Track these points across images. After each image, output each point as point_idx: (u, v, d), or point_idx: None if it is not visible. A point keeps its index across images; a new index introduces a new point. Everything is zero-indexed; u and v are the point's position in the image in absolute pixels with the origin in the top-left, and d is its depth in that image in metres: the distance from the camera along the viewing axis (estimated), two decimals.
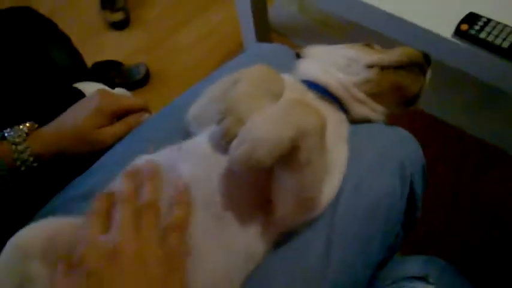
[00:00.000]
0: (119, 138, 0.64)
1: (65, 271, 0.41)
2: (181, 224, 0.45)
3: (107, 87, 0.88)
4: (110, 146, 0.63)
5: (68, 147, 0.62)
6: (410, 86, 0.60)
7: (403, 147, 0.60)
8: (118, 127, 0.64)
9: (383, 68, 0.59)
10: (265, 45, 0.74)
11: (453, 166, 1.26)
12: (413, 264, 0.57)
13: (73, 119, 0.63)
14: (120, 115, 0.66)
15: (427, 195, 0.64)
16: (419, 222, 0.63)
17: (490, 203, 1.20)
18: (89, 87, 0.83)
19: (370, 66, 0.60)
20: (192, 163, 0.50)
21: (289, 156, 0.44)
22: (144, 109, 0.68)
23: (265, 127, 0.43)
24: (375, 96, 0.61)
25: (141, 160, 0.52)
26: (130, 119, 0.66)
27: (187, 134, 0.59)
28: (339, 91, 0.60)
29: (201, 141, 0.52)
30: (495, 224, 1.17)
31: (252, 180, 0.49)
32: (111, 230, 0.43)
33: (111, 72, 1.55)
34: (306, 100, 0.58)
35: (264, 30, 1.29)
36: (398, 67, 0.59)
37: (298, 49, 0.71)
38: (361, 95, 0.60)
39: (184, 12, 1.79)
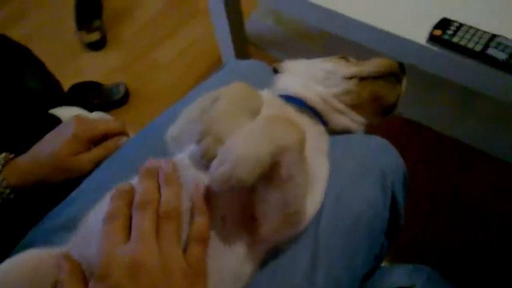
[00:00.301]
0: (97, 164, 0.63)
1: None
2: (205, 235, 0.44)
3: (84, 112, 0.87)
4: (88, 172, 0.62)
5: (45, 176, 0.61)
6: (388, 95, 0.62)
7: (383, 156, 0.60)
8: (96, 153, 0.63)
9: (361, 79, 0.61)
10: (242, 62, 0.74)
11: (432, 169, 1.27)
12: (400, 274, 0.57)
13: (49, 148, 0.61)
14: (97, 140, 0.65)
15: (407, 200, 0.64)
16: (402, 228, 0.63)
17: (470, 204, 1.21)
18: (65, 113, 0.81)
19: (349, 78, 0.61)
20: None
21: (271, 173, 0.43)
22: (122, 132, 0.67)
23: (245, 145, 0.42)
24: (354, 107, 0.62)
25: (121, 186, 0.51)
26: (108, 144, 0.65)
27: (167, 156, 0.58)
28: (318, 104, 0.61)
29: (180, 161, 0.52)
30: (476, 225, 1.17)
31: (235, 199, 0.49)
32: (132, 238, 0.41)
33: (90, 94, 1.54)
34: (285, 115, 0.58)
35: (242, 44, 1.29)
36: (376, 77, 0.61)
37: (275, 64, 0.71)
38: (341, 106, 0.61)
39: (161, 29, 1.78)
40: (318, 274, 0.50)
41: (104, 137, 0.65)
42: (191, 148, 0.51)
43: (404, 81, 0.64)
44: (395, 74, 0.62)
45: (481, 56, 0.71)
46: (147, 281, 0.39)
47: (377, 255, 0.58)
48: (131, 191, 0.46)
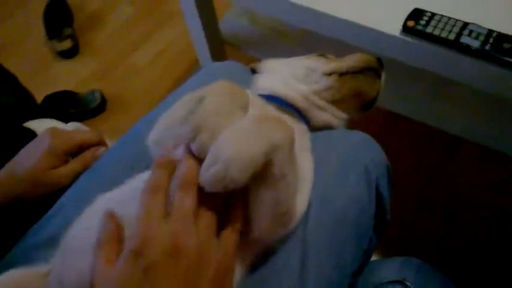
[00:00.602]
0: (76, 177, 0.61)
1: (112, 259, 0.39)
2: (237, 227, 0.43)
3: (59, 123, 0.85)
4: (67, 186, 0.60)
5: (22, 192, 0.59)
6: (368, 90, 0.63)
7: (365, 151, 0.60)
8: (73, 165, 0.61)
9: (341, 74, 0.62)
10: (219, 64, 0.73)
11: (414, 160, 1.29)
12: (390, 269, 0.57)
13: (25, 163, 0.60)
14: (74, 152, 0.63)
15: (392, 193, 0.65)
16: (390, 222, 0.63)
17: (454, 192, 1.23)
18: (40, 126, 0.79)
19: (329, 74, 0.62)
20: None
21: (263, 172, 0.43)
22: (99, 142, 0.66)
23: (237, 144, 0.41)
24: (335, 102, 0.63)
25: (102, 200, 0.50)
26: (86, 155, 0.63)
27: (148, 163, 0.57)
28: (298, 101, 0.61)
29: None
30: (459, 214, 1.19)
31: (223, 202, 0.48)
32: (173, 217, 0.40)
33: (65, 103, 1.50)
34: (268, 114, 0.57)
35: (217, 44, 1.28)
36: (356, 72, 0.62)
37: (252, 64, 0.70)
38: (322, 102, 0.62)
39: (135, 33, 1.76)
40: (309, 275, 0.50)
41: (81, 149, 0.64)
42: (177, 151, 0.50)
43: (383, 76, 0.64)
44: (374, 69, 0.63)
45: (455, 45, 0.72)
46: (184, 266, 0.38)
47: (366, 251, 0.58)
48: (174, 163, 0.44)
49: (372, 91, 0.63)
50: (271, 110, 0.59)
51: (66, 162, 0.62)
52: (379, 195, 0.59)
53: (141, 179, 0.49)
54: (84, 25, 1.80)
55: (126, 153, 0.61)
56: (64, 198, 0.59)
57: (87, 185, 0.59)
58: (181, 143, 0.51)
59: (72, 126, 0.80)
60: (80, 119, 1.51)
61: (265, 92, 0.61)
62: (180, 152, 0.48)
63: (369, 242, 0.58)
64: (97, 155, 0.64)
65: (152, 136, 0.55)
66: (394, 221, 0.64)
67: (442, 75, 0.79)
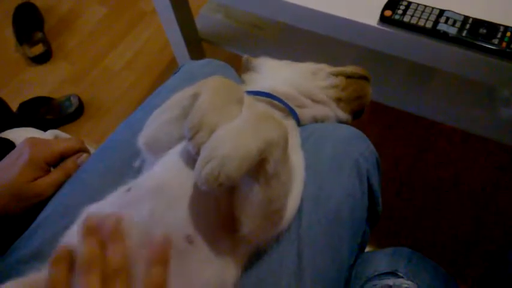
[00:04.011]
0: (58, 187, 0.59)
1: None
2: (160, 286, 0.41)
3: (37, 132, 0.83)
4: (50, 197, 0.59)
5: (4, 206, 0.57)
6: (367, 94, 0.69)
7: (355, 145, 0.61)
8: (55, 175, 0.60)
9: (347, 76, 0.67)
10: (198, 62, 0.72)
11: (397, 148, 1.30)
12: (381, 260, 0.57)
13: (5, 176, 0.57)
14: (55, 161, 0.61)
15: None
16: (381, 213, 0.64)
17: (438, 177, 1.25)
18: (18, 135, 0.77)
19: (335, 75, 0.67)
20: (147, 202, 0.46)
21: (257, 170, 0.43)
22: (80, 149, 0.64)
23: (232, 141, 0.41)
24: (338, 100, 0.67)
25: (88, 211, 0.48)
26: (68, 164, 0.61)
27: (131, 168, 0.56)
28: (291, 97, 0.62)
29: (157, 172, 0.49)
30: (445, 200, 1.21)
31: (215, 202, 0.47)
32: None
33: (41, 110, 1.47)
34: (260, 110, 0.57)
35: (194, 42, 1.26)
36: (359, 77, 0.68)
37: (247, 58, 0.73)
38: (325, 97, 0.66)
39: (109, 35, 1.72)
40: (305, 273, 0.50)
41: (62, 157, 0.62)
42: (179, 148, 0.49)
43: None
44: (368, 80, 0.69)
45: (433, 33, 0.73)
46: None
47: (360, 243, 0.58)
48: (71, 254, 0.42)
49: (369, 97, 0.69)
50: (262, 106, 0.59)
51: (47, 172, 0.60)
52: (370, 187, 0.60)
53: (125, 189, 0.48)
54: (55, 28, 1.76)
55: (109, 161, 0.60)
56: (48, 210, 0.57)
57: (71, 196, 0.58)
58: (176, 142, 0.50)
59: (51, 134, 0.78)
60: (57, 125, 1.48)
61: (259, 89, 0.62)
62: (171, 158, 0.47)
63: (363, 235, 0.59)
64: (78, 162, 0.62)
65: (144, 137, 0.54)
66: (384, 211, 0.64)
67: (421, 63, 0.79)
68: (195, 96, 0.48)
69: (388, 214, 1.07)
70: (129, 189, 0.48)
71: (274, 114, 0.57)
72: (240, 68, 0.76)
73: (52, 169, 0.61)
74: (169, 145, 0.51)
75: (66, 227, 0.49)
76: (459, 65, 0.75)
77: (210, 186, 0.40)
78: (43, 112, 1.47)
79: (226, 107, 0.47)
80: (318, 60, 0.75)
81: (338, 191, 0.55)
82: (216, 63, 0.71)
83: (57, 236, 0.48)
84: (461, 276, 1.07)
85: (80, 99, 1.50)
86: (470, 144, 1.28)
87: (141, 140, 0.53)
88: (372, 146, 0.62)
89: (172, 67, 1.57)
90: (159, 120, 0.52)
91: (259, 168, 0.43)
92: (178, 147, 0.50)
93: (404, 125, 1.33)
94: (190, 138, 0.45)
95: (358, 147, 0.61)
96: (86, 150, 0.65)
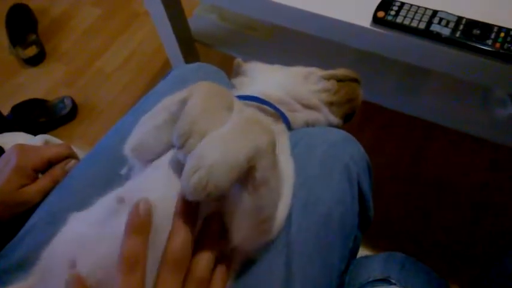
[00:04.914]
0: (46, 194, 0.58)
1: None
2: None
3: (27, 136, 0.82)
4: (37, 204, 0.58)
5: None
6: (359, 97, 0.68)
7: (345, 149, 0.60)
8: (43, 182, 0.59)
9: (338, 80, 0.66)
10: (188, 66, 0.71)
11: (393, 149, 1.30)
12: (374, 266, 0.56)
13: None
14: (43, 168, 0.60)
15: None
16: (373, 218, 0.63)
17: (435, 177, 1.24)
18: (8, 141, 0.76)
19: (327, 79, 0.66)
20: None
21: (245, 177, 0.41)
22: (69, 156, 0.63)
23: (220, 149, 0.40)
24: (329, 104, 0.65)
25: (74, 222, 0.47)
26: (55, 170, 0.60)
27: (119, 175, 0.55)
28: (282, 101, 0.62)
29: (149, 182, 0.48)
30: (441, 200, 1.20)
31: (202, 211, 0.46)
32: None
33: (34, 112, 1.46)
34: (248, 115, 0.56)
35: (188, 43, 1.25)
36: (350, 80, 0.67)
37: (238, 62, 0.72)
38: (318, 102, 0.64)
39: (102, 36, 1.71)
40: (295, 281, 0.49)
41: (50, 164, 0.61)
42: (168, 156, 0.48)
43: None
44: (359, 82, 0.68)
45: (426, 34, 0.72)
46: None
47: (351, 249, 0.57)
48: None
49: (360, 100, 0.68)
50: (251, 111, 0.58)
51: (35, 179, 0.59)
52: (361, 192, 0.59)
53: (113, 197, 0.47)
54: (49, 30, 1.75)
55: (97, 168, 0.59)
56: (35, 218, 0.56)
57: (59, 204, 0.57)
58: (165, 149, 0.49)
59: (41, 138, 0.77)
60: (50, 127, 1.47)
61: (249, 93, 0.61)
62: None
63: (354, 240, 0.58)
64: (67, 169, 0.61)
65: (131, 144, 0.52)
66: (377, 214, 0.64)
67: (415, 64, 0.79)
68: (184, 102, 0.47)
69: (383, 215, 1.07)
70: (120, 201, 0.46)
71: (263, 119, 0.56)
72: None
73: (40, 175, 0.60)
74: (158, 152, 0.50)
75: (53, 235, 0.48)
76: (453, 66, 0.74)
77: (198, 196, 0.39)
78: (36, 114, 1.46)
79: (217, 113, 0.46)
80: (312, 61, 0.74)
81: (328, 196, 0.54)
82: (207, 68, 0.70)
83: (43, 245, 0.47)
84: (457, 278, 1.07)
85: (73, 101, 1.49)
86: (467, 145, 1.27)
87: (128, 147, 0.51)
88: (362, 150, 0.61)
89: (166, 69, 1.56)
90: (146, 126, 0.51)
91: (248, 175, 0.42)
92: (168, 156, 0.49)
93: (399, 125, 1.32)
94: (181, 146, 0.44)
95: (348, 151, 0.60)
96: (74, 157, 0.64)
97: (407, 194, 1.21)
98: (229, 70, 0.75)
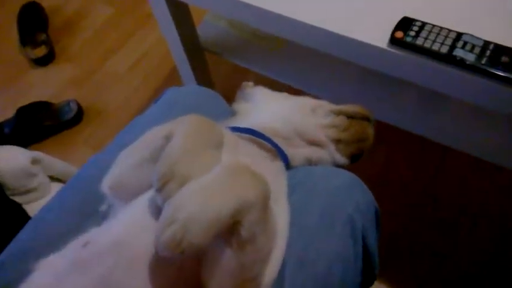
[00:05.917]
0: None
1: None
2: None
3: (20, 150, 0.79)
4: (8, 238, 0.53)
5: None
6: (370, 137, 0.62)
7: (349, 196, 0.53)
8: None
9: (348, 116, 0.61)
10: (181, 90, 0.65)
11: (406, 170, 1.22)
12: None
13: None
14: None
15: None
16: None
17: (451, 206, 1.17)
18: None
19: (337, 114, 0.61)
20: (102, 262, 0.40)
21: (228, 233, 0.37)
22: None
23: (199, 200, 0.35)
24: (337, 142, 0.60)
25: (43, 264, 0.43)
26: None
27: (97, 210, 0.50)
28: (282, 136, 0.57)
29: (119, 225, 0.43)
30: (459, 230, 1.13)
31: (179, 266, 0.41)
32: None
33: (39, 115, 1.42)
34: (243, 160, 0.50)
35: (196, 50, 1.20)
36: (362, 118, 0.61)
37: (246, 86, 0.68)
38: (325, 139, 0.59)
39: (113, 38, 1.67)
40: None
41: None
42: (146, 197, 0.43)
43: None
44: (370, 121, 0.63)
45: (448, 59, 0.65)
46: None
47: None
48: None
49: (371, 140, 0.62)
50: (245, 150, 0.52)
51: None
52: (366, 247, 0.52)
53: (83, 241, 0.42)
54: (59, 30, 1.72)
55: (74, 200, 0.54)
56: (3, 256, 0.52)
57: (30, 239, 0.52)
58: (145, 188, 0.45)
59: (30, 155, 0.73)
60: (55, 131, 1.44)
61: (248, 125, 0.56)
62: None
63: None
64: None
65: (110, 181, 0.48)
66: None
67: (434, 89, 0.72)
68: (168, 138, 0.43)
69: (394, 247, 1.01)
70: (85, 244, 0.42)
71: (258, 159, 0.51)
72: (244, 80, 0.70)
73: None
74: (139, 190, 0.45)
75: (24, 273, 0.43)
76: (476, 95, 0.67)
77: (170, 253, 0.34)
78: (41, 118, 1.42)
79: (202, 154, 0.41)
80: (322, 73, 0.68)
81: (326, 253, 0.48)
82: (203, 92, 0.65)
83: (16, 282, 0.42)
84: None
85: (79, 105, 1.46)
86: (487, 172, 1.19)
87: (106, 183, 0.47)
88: (370, 196, 0.55)
89: (177, 73, 1.51)
90: (125, 163, 0.46)
91: (233, 230, 0.36)
92: (146, 196, 0.44)
93: (413, 148, 1.24)
94: (159, 190, 0.39)
95: (354, 198, 0.53)
96: None
97: (420, 224, 1.14)
98: (239, 80, 0.70)
